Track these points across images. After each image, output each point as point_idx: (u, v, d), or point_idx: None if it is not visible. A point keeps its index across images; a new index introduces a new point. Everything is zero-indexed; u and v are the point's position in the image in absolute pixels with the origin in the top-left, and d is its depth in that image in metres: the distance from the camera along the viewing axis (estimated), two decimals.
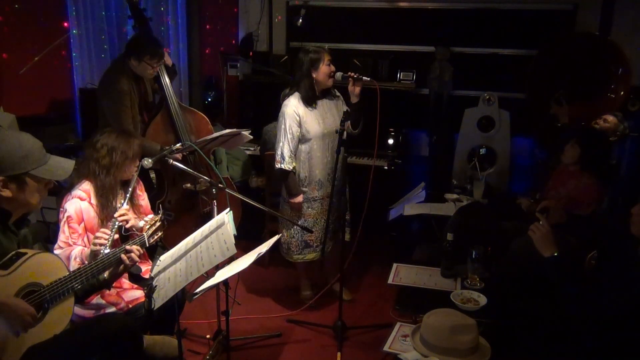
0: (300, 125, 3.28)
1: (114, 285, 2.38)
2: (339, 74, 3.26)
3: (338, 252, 3.42)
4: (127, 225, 2.54)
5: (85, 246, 2.51)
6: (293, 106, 3.27)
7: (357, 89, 3.24)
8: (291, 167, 3.29)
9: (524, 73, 4.48)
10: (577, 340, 2.22)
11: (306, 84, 3.28)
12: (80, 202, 2.56)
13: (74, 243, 2.51)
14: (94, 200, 2.59)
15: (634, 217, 2.17)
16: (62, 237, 2.52)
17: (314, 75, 3.26)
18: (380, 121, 3.24)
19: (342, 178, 3.42)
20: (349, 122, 3.31)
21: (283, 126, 3.27)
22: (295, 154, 3.32)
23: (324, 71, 3.24)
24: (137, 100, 3.51)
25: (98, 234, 2.37)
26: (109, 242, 2.33)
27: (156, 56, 3.42)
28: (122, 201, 2.62)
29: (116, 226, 2.45)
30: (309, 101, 3.29)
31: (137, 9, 3.70)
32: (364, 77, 3.20)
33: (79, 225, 2.54)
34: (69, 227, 2.52)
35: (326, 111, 3.36)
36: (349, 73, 3.23)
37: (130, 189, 2.65)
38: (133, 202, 2.78)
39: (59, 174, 2.06)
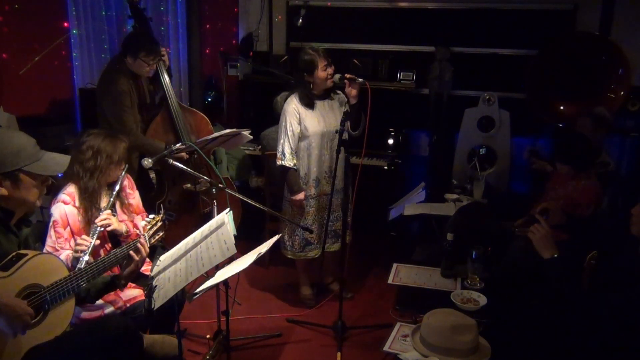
0: (300, 122, 3.32)
1: None
2: (337, 76, 3.29)
3: (338, 252, 3.44)
4: (109, 229, 2.51)
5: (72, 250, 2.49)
6: (294, 104, 3.33)
7: (354, 91, 3.26)
8: (292, 164, 3.33)
9: (524, 73, 4.48)
10: (577, 341, 2.22)
11: (302, 87, 3.33)
12: (64, 206, 2.53)
13: (61, 248, 2.49)
14: (78, 203, 2.56)
15: (634, 217, 2.17)
16: (49, 242, 2.50)
17: (309, 80, 3.30)
18: (381, 121, 3.26)
19: (344, 178, 3.45)
20: (348, 123, 3.34)
21: (284, 124, 3.33)
22: (295, 151, 3.35)
23: (319, 76, 3.28)
24: (136, 100, 3.50)
25: (79, 241, 2.36)
26: (89, 249, 2.32)
27: (152, 53, 3.40)
28: (106, 204, 2.59)
29: (97, 232, 2.43)
30: (306, 103, 3.33)
31: (136, 8, 3.70)
32: (358, 79, 3.22)
33: (65, 229, 2.52)
34: (55, 231, 2.50)
35: (327, 110, 3.39)
36: (346, 75, 3.26)
37: (114, 193, 2.62)
38: (122, 202, 2.75)
39: (53, 169, 2.06)
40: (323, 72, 3.26)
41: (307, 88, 3.32)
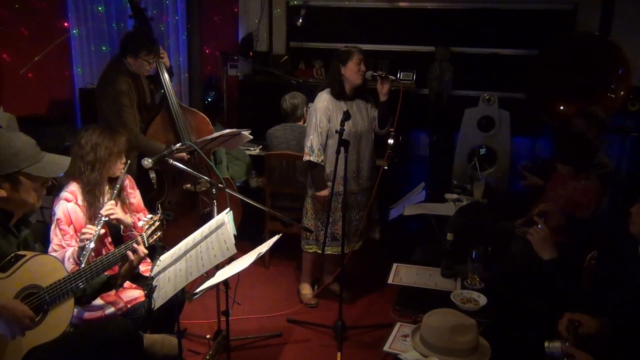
0: (329, 120, 3.35)
1: None
2: (369, 73, 3.36)
3: (338, 252, 3.44)
4: (112, 217, 2.52)
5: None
6: (325, 100, 3.38)
7: (385, 88, 3.34)
8: (320, 160, 3.36)
9: (524, 73, 4.48)
10: None
11: (335, 78, 3.37)
12: (66, 204, 2.55)
13: (68, 245, 2.50)
14: (80, 201, 2.58)
15: (633, 217, 2.17)
16: (55, 241, 2.52)
17: (342, 72, 3.34)
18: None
19: (370, 177, 3.53)
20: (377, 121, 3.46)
21: (314, 120, 3.36)
22: (324, 148, 3.38)
23: (351, 69, 3.32)
24: (135, 99, 3.51)
25: (84, 230, 2.39)
26: (94, 237, 2.34)
27: (152, 51, 3.42)
28: (110, 197, 2.61)
29: (102, 222, 2.45)
30: (338, 96, 3.37)
31: (138, 8, 3.70)
32: (389, 77, 3.32)
33: (69, 226, 2.53)
34: (60, 229, 2.52)
35: (355, 111, 3.42)
36: (378, 72, 3.34)
37: (117, 186, 2.64)
38: (123, 200, 2.76)
39: (53, 171, 2.05)
40: (356, 65, 3.31)
41: (339, 80, 3.36)
